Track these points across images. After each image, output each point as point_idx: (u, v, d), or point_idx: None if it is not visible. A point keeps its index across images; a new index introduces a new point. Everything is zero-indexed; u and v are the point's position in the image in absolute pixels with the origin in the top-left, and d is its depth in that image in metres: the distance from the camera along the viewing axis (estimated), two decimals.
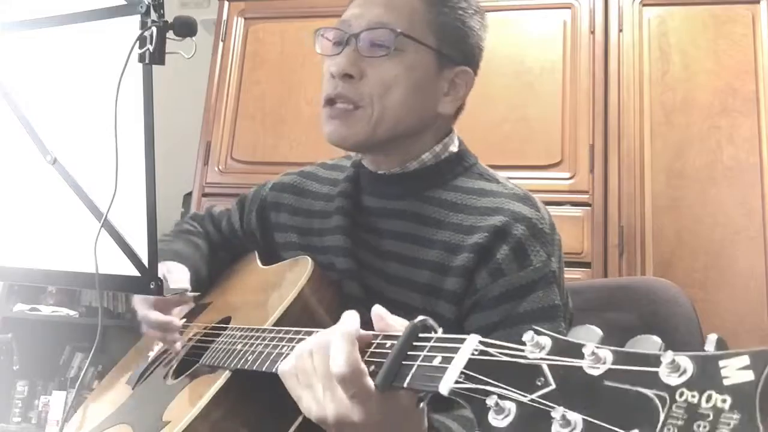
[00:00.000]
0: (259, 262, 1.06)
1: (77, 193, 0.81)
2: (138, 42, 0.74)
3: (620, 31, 2.13)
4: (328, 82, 0.91)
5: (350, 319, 0.61)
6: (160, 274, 0.96)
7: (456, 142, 0.97)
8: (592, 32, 2.14)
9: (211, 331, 0.93)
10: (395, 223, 0.92)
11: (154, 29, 0.74)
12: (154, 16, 0.74)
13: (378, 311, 0.63)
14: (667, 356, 0.38)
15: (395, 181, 0.94)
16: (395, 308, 0.85)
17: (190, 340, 0.97)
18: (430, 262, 0.86)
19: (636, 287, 1.13)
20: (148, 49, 0.74)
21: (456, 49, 0.92)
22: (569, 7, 2.18)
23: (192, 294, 0.99)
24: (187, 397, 0.81)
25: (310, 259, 0.89)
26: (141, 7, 0.74)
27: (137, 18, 0.75)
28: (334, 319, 0.84)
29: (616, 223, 1.98)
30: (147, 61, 0.74)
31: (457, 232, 0.86)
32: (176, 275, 0.99)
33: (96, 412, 1.02)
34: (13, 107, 0.88)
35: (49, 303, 3.02)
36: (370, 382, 0.56)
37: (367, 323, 0.85)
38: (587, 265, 1.93)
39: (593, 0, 2.17)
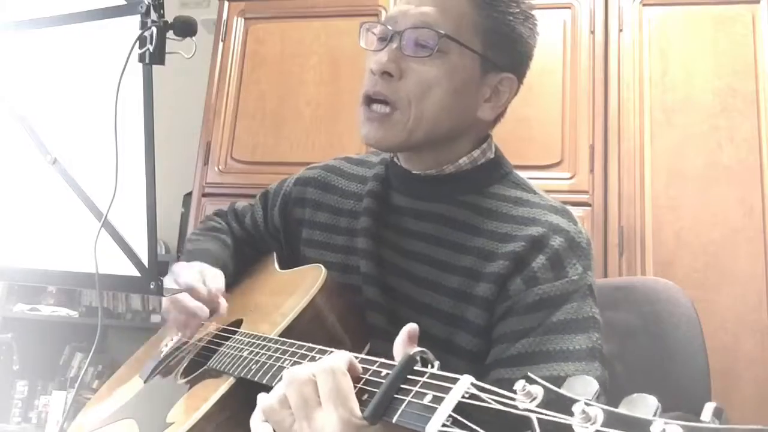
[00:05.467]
0: (276, 265, 1.06)
1: (77, 193, 0.81)
2: (138, 42, 0.74)
3: (620, 31, 2.13)
4: (368, 79, 0.88)
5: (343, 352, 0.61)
6: (196, 272, 0.96)
7: (493, 149, 0.95)
8: (592, 32, 2.14)
9: (221, 333, 0.94)
10: (426, 226, 0.90)
11: (154, 29, 0.74)
12: (154, 16, 0.74)
13: (411, 331, 0.59)
14: (658, 424, 0.37)
15: (430, 183, 0.92)
16: (422, 311, 0.85)
17: (201, 339, 0.97)
18: (463, 267, 0.85)
19: (636, 287, 1.13)
20: (148, 49, 0.74)
21: (502, 55, 0.89)
22: (569, 7, 2.18)
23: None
24: (192, 399, 0.82)
25: (323, 268, 0.88)
26: (141, 7, 0.74)
27: (137, 18, 0.75)
28: (345, 327, 0.84)
29: (616, 223, 1.98)
30: (147, 61, 0.74)
31: (491, 239, 0.85)
32: (210, 273, 0.98)
33: (108, 402, 1.02)
34: (14, 107, 0.88)
35: (49, 303, 3.02)
36: (352, 393, 0.55)
37: (385, 330, 0.84)
38: None
39: (593, 0, 2.17)
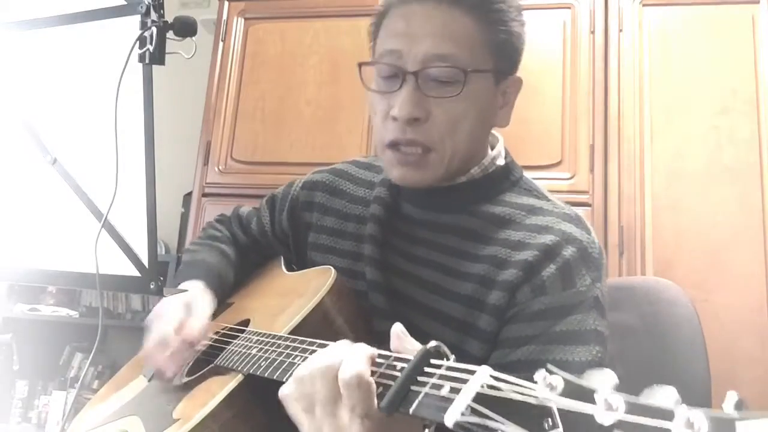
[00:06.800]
0: (283, 267, 1.05)
1: (77, 193, 0.81)
2: (138, 42, 0.74)
3: (620, 31, 2.13)
4: (390, 125, 0.85)
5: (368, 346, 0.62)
6: (176, 315, 0.92)
7: (503, 154, 0.94)
8: (592, 32, 2.14)
9: (228, 332, 0.93)
10: (438, 236, 0.89)
11: (154, 29, 0.74)
12: (154, 16, 0.74)
13: (397, 330, 0.62)
14: (682, 411, 0.37)
15: (442, 194, 0.90)
16: (435, 318, 0.85)
17: (206, 339, 0.97)
18: (476, 275, 0.84)
19: (636, 287, 1.13)
20: (148, 49, 0.74)
21: (509, 62, 0.89)
22: (569, 7, 2.18)
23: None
24: (199, 396, 0.82)
25: (333, 270, 0.87)
26: (141, 7, 0.74)
27: (137, 18, 0.75)
28: (354, 330, 0.84)
29: (616, 223, 1.98)
30: (147, 61, 0.74)
31: (504, 246, 0.84)
32: (201, 307, 0.95)
33: (111, 400, 1.02)
34: (14, 107, 0.88)
35: (49, 303, 3.02)
36: (374, 398, 0.56)
37: (386, 333, 0.84)
38: None
39: (593, 0, 2.17)
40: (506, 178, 0.92)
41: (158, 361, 0.89)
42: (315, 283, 0.87)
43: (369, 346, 0.61)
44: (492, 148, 0.94)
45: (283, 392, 0.63)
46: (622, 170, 2.02)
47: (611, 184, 2.01)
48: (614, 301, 1.10)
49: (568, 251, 0.82)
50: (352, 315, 0.86)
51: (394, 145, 0.86)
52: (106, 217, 0.76)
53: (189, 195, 2.50)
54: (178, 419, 0.78)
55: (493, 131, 0.97)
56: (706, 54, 2.04)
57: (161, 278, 0.76)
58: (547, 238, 0.82)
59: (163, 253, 2.96)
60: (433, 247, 0.89)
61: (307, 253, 1.03)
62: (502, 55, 0.87)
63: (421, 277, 0.88)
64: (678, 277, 1.80)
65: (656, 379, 1.04)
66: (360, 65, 0.89)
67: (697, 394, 0.98)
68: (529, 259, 0.81)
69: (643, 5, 2.13)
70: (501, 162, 0.93)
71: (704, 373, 0.99)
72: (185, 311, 0.93)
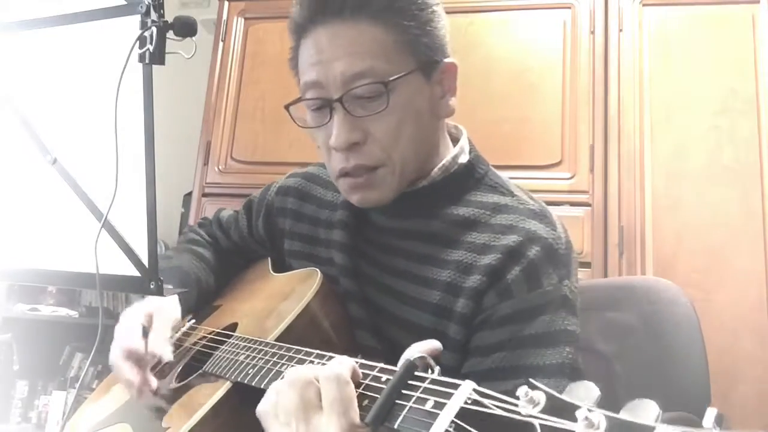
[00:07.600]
0: (270, 269, 1.06)
1: (77, 193, 0.82)
2: (138, 42, 0.74)
3: (620, 31, 2.13)
4: (335, 156, 0.85)
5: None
6: (149, 310, 0.95)
7: (467, 150, 0.91)
8: (592, 32, 2.14)
9: (216, 337, 0.93)
10: (405, 243, 0.88)
11: (154, 29, 0.74)
12: (154, 16, 0.74)
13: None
14: (661, 429, 0.37)
15: (405, 200, 0.88)
16: (406, 328, 0.84)
17: (195, 343, 0.97)
18: (442, 282, 0.83)
19: (636, 287, 1.13)
20: (148, 49, 0.74)
21: (434, 52, 0.85)
22: (569, 7, 2.18)
23: (170, 355, 0.94)
24: (188, 404, 0.82)
25: (319, 273, 0.87)
26: (141, 7, 0.74)
27: (137, 18, 0.75)
28: (339, 334, 0.85)
29: (616, 223, 1.98)
30: (147, 61, 0.74)
31: (470, 251, 0.83)
32: (165, 315, 0.96)
33: (100, 406, 1.02)
34: (14, 107, 0.88)
35: (49, 303, 3.02)
36: (353, 398, 0.56)
37: (369, 345, 0.84)
38: (587, 265, 1.92)
39: (593, 0, 2.17)
40: (470, 176, 0.90)
41: (129, 377, 0.89)
42: (301, 287, 0.87)
43: (350, 358, 0.60)
44: (456, 142, 0.92)
45: (259, 410, 0.62)
46: (622, 170, 2.02)
47: (611, 184, 2.01)
48: (614, 301, 1.10)
49: (532, 251, 0.80)
50: (338, 318, 0.86)
51: (344, 174, 0.85)
52: (106, 217, 0.76)
53: (189, 195, 2.50)
54: (168, 428, 0.78)
55: (458, 125, 0.95)
56: (706, 54, 2.04)
57: (161, 278, 0.76)
58: (511, 239, 0.80)
59: (163, 253, 2.95)
60: (400, 254, 0.88)
61: (287, 260, 1.03)
62: (424, 49, 0.84)
63: (391, 286, 0.87)
64: (678, 277, 1.80)
65: (656, 380, 1.04)
66: (287, 107, 0.88)
67: (697, 395, 0.98)
68: (493, 263, 0.80)
69: (643, 5, 2.13)
70: (464, 159, 0.91)
71: (704, 372, 0.99)
72: (147, 322, 0.94)
